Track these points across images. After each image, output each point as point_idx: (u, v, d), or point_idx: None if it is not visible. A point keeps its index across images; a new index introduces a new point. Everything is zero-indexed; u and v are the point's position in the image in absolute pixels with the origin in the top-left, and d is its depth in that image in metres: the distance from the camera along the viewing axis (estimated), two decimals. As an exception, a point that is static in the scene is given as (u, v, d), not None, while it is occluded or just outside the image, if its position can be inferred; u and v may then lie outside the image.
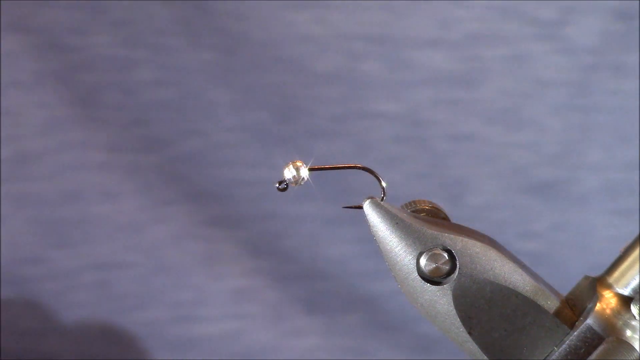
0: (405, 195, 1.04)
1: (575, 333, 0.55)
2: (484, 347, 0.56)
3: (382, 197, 0.58)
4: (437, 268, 0.56)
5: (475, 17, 1.02)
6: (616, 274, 0.56)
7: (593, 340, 0.54)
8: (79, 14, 1.02)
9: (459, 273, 0.56)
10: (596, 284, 0.56)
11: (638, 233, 0.57)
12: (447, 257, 0.56)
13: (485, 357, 0.56)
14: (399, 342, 1.08)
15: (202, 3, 1.02)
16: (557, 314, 0.56)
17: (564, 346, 0.55)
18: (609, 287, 0.56)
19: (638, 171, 1.05)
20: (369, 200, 0.57)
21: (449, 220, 0.59)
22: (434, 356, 1.09)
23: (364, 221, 0.57)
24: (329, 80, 1.02)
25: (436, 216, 0.59)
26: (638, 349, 0.54)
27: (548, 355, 0.55)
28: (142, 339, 1.07)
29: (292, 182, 0.58)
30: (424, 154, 1.04)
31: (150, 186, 1.05)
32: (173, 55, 1.02)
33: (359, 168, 0.59)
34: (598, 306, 0.55)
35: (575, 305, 0.57)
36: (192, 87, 1.03)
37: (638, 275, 0.56)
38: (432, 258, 0.56)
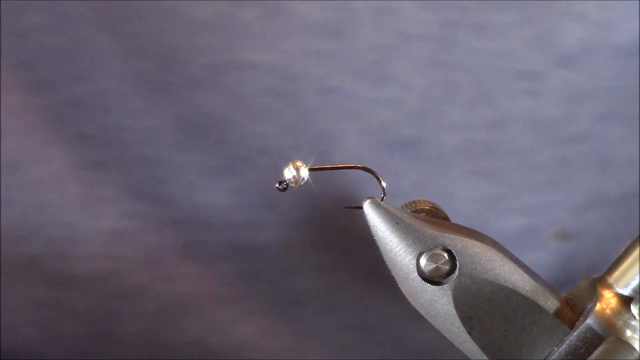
0: (274, 149, 1.06)
1: (575, 333, 0.55)
2: (484, 347, 0.56)
3: (382, 197, 0.58)
4: (437, 268, 0.56)
5: None
6: (616, 274, 0.56)
7: (593, 340, 0.54)
8: None
9: (459, 273, 0.56)
10: (596, 284, 0.56)
11: (638, 233, 0.57)
12: (447, 257, 0.56)
13: (485, 357, 0.56)
14: (269, 294, 1.09)
15: None
16: (557, 314, 0.56)
17: (564, 346, 0.55)
18: (609, 287, 0.56)
19: (496, 133, 1.06)
20: (369, 200, 0.57)
21: (449, 220, 0.59)
22: (299, 310, 1.10)
23: (363, 221, 0.57)
24: (206, 27, 1.03)
25: (436, 216, 0.59)
26: (638, 349, 0.54)
27: (548, 355, 0.55)
28: (22, 274, 1.08)
29: (292, 182, 0.58)
30: (294, 107, 1.05)
31: (35, 128, 1.06)
32: (60, 2, 1.04)
33: (359, 168, 0.59)
34: (598, 306, 0.55)
35: (575, 305, 0.57)
36: (79, 33, 1.04)
37: (638, 275, 0.56)
38: (432, 258, 0.56)
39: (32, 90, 1.05)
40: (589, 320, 0.54)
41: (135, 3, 1.04)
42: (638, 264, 0.56)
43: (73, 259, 1.09)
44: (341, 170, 0.60)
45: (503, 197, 1.07)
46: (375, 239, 0.57)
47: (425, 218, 0.58)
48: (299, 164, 0.58)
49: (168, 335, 1.11)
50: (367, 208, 0.57)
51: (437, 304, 0.56)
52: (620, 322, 0.55)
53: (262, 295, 1.10)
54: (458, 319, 0.56)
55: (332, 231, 1.09)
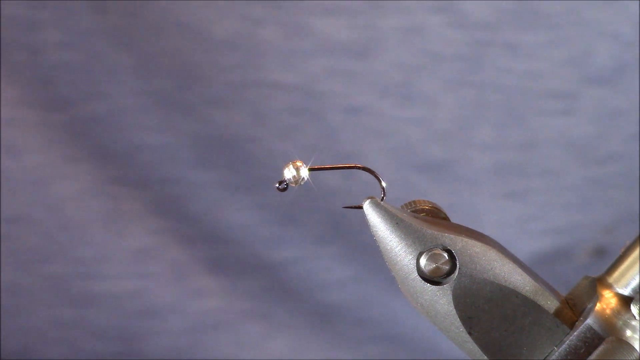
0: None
1: (575, 333, 0.55)
2: (484, 347, 0.56)
3: (382, 197, 0.58)
4: (437, 268, 0.56)
5: None
6: (616, 274, 0.56)
7: (593, 340, 0.54)
8: None
9: (459, 273, 0.56)
10: (596, 284, 0.56)
11: (638, 233, 0.57)
12: (447, 257, 0.56)
13: (485, 357, 0.56)
14: (299, 308, 1.09)
15: None
16: (557, 314, 0.55)
17: (564, 346, 0.55)
18: (609, 287, 0.56)
19: (526, 153, 1.05)
20: (369, 200, 0.57)
21: (449, 220, 0.59)
22: (333, 325, 1.09)
23: (363, 221, 0.57)
24: (227, 46, 1.03)
25: (436, 216, 0.59)
26: (638, 349, 0.54)
27: (548, 355, 0.55)
28: (44, 294, 1.08)
29: (292, 182, 0.58)
30: (318, 126, 1.04)
31: (55, 144, 1.06)
32: (77, 18, 1.03)
33: (359, 168, 0.59)
34: (598, 306, 0.55)
35: (575, 305, 0.57)
36: (96, 50, 1.04)
37: (638, 275, 0.56)
38: (432, 258, 0.56)
39: (50, 106, 1.05)
40: (589, 320, 0.54)
41: (152, 20, 1.03)
42: (638, 264, 0.55)
43: (99, 278, 1.08)
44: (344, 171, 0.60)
45: (534, 218, 1.05)
46: (375, 239, 0.57)
47: (425, 218, 0.58)
48: (299, 163, 0.58)
49: (198, 353, 1.10)
50: (367, 208, 0.57)
51: (437, 304, 0.56)
52: (620, 322, 0.55)
53: (291, 310, 1.09)
54: (458, 319, 0.56)
55: (355, 246, 1.08)
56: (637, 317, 0.55)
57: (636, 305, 0.55)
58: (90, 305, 1.08)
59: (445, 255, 0.56)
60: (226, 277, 1.08)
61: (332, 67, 1.03)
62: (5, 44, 1.03)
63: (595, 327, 0.54)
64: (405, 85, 1.03)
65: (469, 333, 0.56)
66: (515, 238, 1.05)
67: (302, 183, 0.58)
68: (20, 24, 1.03)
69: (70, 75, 1.04)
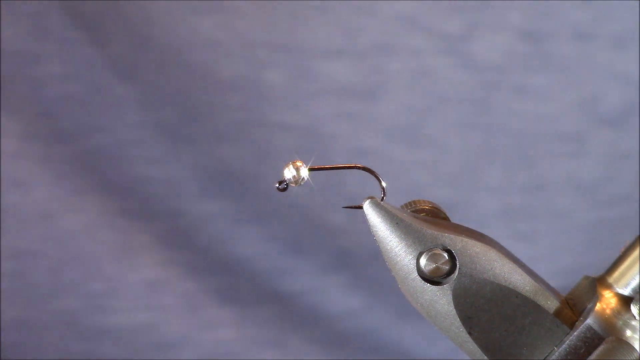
0: (303, 206, 1.04)
1: (575, 333, 0.55)
2: (484, 347, 0.56)
3: (382, 197, 0.58)
4: (437, 268, 0.56)
5: (381, 28, 1.01)
6: (616, 274, 0.56)
7: (593, 340, 0.54)
8: None
9: (459, 273, 0.56)
10: (596, 284, 0.56)
11: (638, 233, 0.57)
12: (447, 257, 0.56)
13: (485, 357, 0.56)
14: (311, 337, 1.08)
15: (110, 3, 1.02)
16: (557, 314, 0.55)
17: (564, 346, 0.55)
18: (609, 287, 0.56)
19: (535, 196, 1.03)
20: (369, 200, 0.57)
21: (449, 220, 0.59)
22: (347, 353, 1.09)
23: (363, 221, 0.57)
24: (231, 87, 1.02)
25: (436, 216, 0.59)
26: (638, 349, 0.54)
27: (548, 355, 0.55)
28: (55, 329, 1.07)
29: (292, 182, 0.58)
30: None
31: (62, 176, 1.05)
32: (79, 50, 1.03)
33: (359, 168, 0.59)
34: (598, 306, 0.55)
35: (575, 305, 0.57)
36: (98, 82, 1.04)
37: (638, 275, 0.56)
38: (432, 258, 0.56)
39: (55, 139, 1.04)
40: (589, 320, 0.54)
41: (155, 56, 1.03)
42: (638, 264, 0.55)
43: (110, 311, 1.07)
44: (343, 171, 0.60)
45: (541, 258, 1.05)
46: (375, 239, 0.57)
47: (425, 218, 0.58)
48: (298, 163, 0.58)
49: None
50: (367, 208, 0.57)
51: (437, 304, 0.56)
52: (620, 322, 0.55)
53: (303, 339, 1.09)
54: (458, 319, 0.56)
55: (362, 276, 1.08)
56: (637, 317, 0.55)
57: (636, 305, 0.55)
58: (101, 339, 1.08)
59: (445, 255, 0.56)
60: (237, 308, 1.08)
61: (338, 109, 1.02)
62: (7, 78, 1.03)
63: (595, 327, 0.54)
64: (412, 127, 1.02)
65: (469, 333, 0.56)
66: None
67: (302, 183, 0.58)
68: (22, 57, 1.03)
69: (73, 107, 1.04)
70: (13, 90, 1.03)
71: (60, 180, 1.05)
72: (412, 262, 0.56)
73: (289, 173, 0.58)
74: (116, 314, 1.07)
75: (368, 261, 1.07)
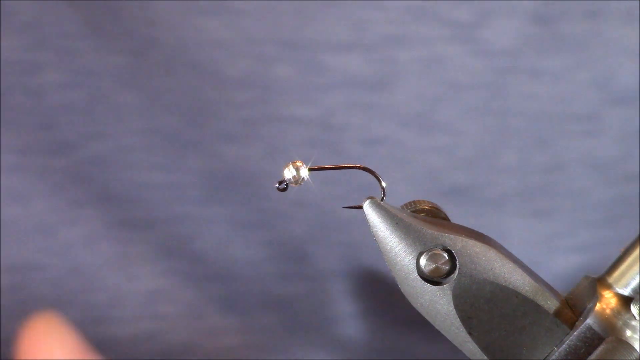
0: (311, 202, 1.04)
1: (575, 333, 0.55)
2: (484, 347, 0.56)
3: (382, 197, 0.58)
4: (437, 268, 0.56)
5: (390, 19, 1.00)
6: (616, 274, 0.56)
7: (593, 340, 0.54)
8: None
9: (459, 273, 0.56)
10: (596, 284, 0.56)
11: (638, 233, 0.57)
12: (447, 257, 0.56)
13: (485, 357, 0.56)
14: (314, 341, 1.08)
15: (111, 4, 1.01)
16: (557, 314, 0.55)
17: (564, 346, 0.55)
18: (609, 287, 0.56)
19: (552, 175, 1.04)
20: (369, 200, 0.57)
21: (449, 220, 0.59)
22: (352, 354, 1.09)
23: (363, 221, 0.57)
24: (240, 84, 1.01)
25: (436, 216, 0.59)
26: (638, 349, 0.54)
27: (548, 355, 0.55)
28: None
29: (292, 182, 0.58)
30: (336, 158, 1.03)
31: (61, 188, 1.05)
32: (80, 58, 1.02)
33: (359, 168, 0.59)
34: (598, 306, 0.55)
35: (575, 305, 0.57)
36: (100, 90, 1.03)
37: (638, 275, 0.56)
38: (432, 258, 0.56)
39: (53, 150, 1.04)
40: (589, 320, 0.54)
41: (160, 59, 1.02)
42: (638, 264, 0.55)
43: (112, 322, 1.07)
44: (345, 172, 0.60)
45: (560, 235, 1.05)
46: (375, 239, 0.57)
47: (425, 218, 0.58)
48: (299, 163, 0.58)
49: None
50: (367, 208, 0.57)
51: (437, 304, 0.56)
52: (620, 322, 0.55)
53: (306, 344, 1.09)
54: (458, 319, 0.56)
55: (364, 281, 1.07)
56: (637, 317, 0.55)
57: (636, 305, 0.55)
58: (104, 350, 1.07)
59: (445, 255, 0.56)
60: (240, 315, 1.08)
61: (349, 100, 1.01)
62: (6, 89, 1.02)
63: (595, 327, 0.54)
64: (425, 115, 1.02)
65: (469, 333, 0.56)
66: (543, 255, 1.05)
67: (302, 183, 0.58)
68: (20, 67, 1.02)
69: (72, 116, 1.03)
70: (12, 102, 1.03)
71: (58, 192, 1.05)
72: (412, 262, 0.56)
73: (288, 173, 0.58)
74: (118, 325, 1.07)
75: (371, 266, 1.07)
